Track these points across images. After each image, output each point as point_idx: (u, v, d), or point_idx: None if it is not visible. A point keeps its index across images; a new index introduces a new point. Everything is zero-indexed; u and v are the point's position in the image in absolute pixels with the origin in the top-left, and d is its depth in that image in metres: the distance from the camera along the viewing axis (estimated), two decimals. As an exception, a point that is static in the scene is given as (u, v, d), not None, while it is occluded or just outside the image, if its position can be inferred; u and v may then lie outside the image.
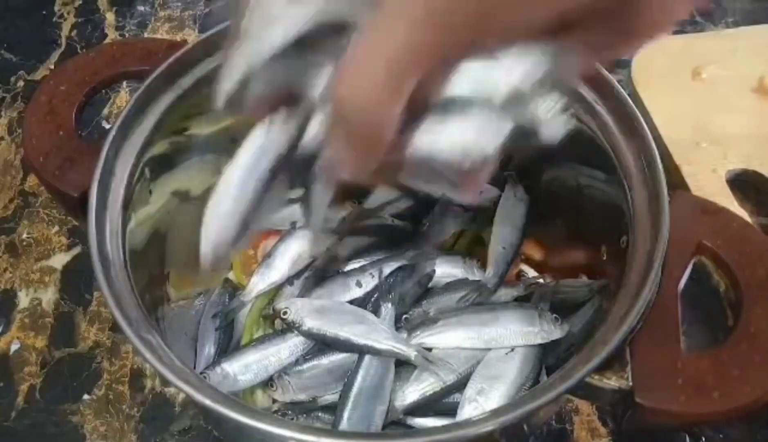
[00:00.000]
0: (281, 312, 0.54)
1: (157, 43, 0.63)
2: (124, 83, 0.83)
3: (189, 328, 0.59)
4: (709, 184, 0.69)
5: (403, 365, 0.53)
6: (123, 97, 0.83)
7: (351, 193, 0.62)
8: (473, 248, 0.64)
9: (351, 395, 0.51)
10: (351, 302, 0.57)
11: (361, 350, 0.52)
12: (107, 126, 0.80)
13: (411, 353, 0.52)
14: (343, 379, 0.53)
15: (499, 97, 0.31)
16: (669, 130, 0.73)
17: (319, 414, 0.54)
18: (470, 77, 0.31)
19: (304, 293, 0.59)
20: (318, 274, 0.60)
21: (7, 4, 0.95)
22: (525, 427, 0.53)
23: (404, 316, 0.56)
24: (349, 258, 0.61)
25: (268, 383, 0.55)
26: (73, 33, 0.92)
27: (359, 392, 0.51)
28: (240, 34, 0.33)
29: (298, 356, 0.55)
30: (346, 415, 0.50)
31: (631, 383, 0.43)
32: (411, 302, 0.57)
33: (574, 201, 0.58)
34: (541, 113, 0.35)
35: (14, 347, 0.64)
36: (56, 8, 0.95)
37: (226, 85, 0.34)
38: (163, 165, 0.55)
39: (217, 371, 0.54)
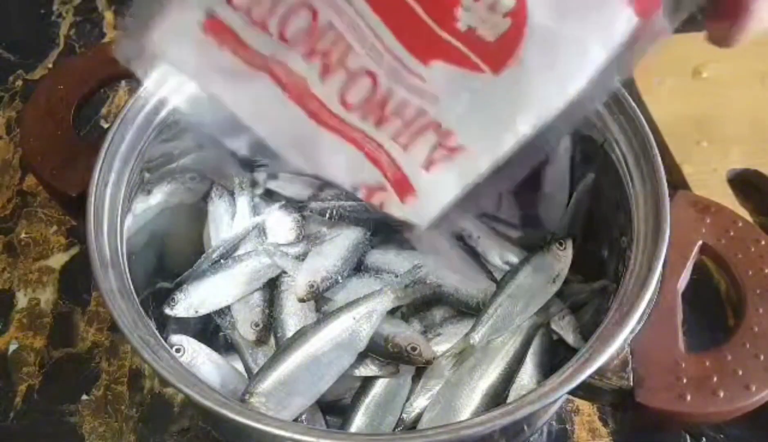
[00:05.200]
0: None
1: (155, 42, 0.63)
2: (123, 82, 0.82)
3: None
4: (710, 183, 0.69)
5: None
6: (121, 97, 0.83)
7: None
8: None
9: (363, 401, 0.50)
10: None
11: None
12: (106, 125, 0.80)
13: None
14: None
15: None
16: (670, 129, 0.73)
17: (328, 417, 0.52)
18: None
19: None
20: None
21: (5, 3, 0.95)
22: (525, 427, 0.53)
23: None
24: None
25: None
26: (72, 32, 0.92)
27: (371, 399, 0.50)
28: None
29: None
30: (355, 419, 0.50)
31: (631, 384, 0.43)
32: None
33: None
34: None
35: (12, 347, 0.64)
36: (54, 7, 0.95)
37: None
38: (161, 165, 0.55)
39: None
